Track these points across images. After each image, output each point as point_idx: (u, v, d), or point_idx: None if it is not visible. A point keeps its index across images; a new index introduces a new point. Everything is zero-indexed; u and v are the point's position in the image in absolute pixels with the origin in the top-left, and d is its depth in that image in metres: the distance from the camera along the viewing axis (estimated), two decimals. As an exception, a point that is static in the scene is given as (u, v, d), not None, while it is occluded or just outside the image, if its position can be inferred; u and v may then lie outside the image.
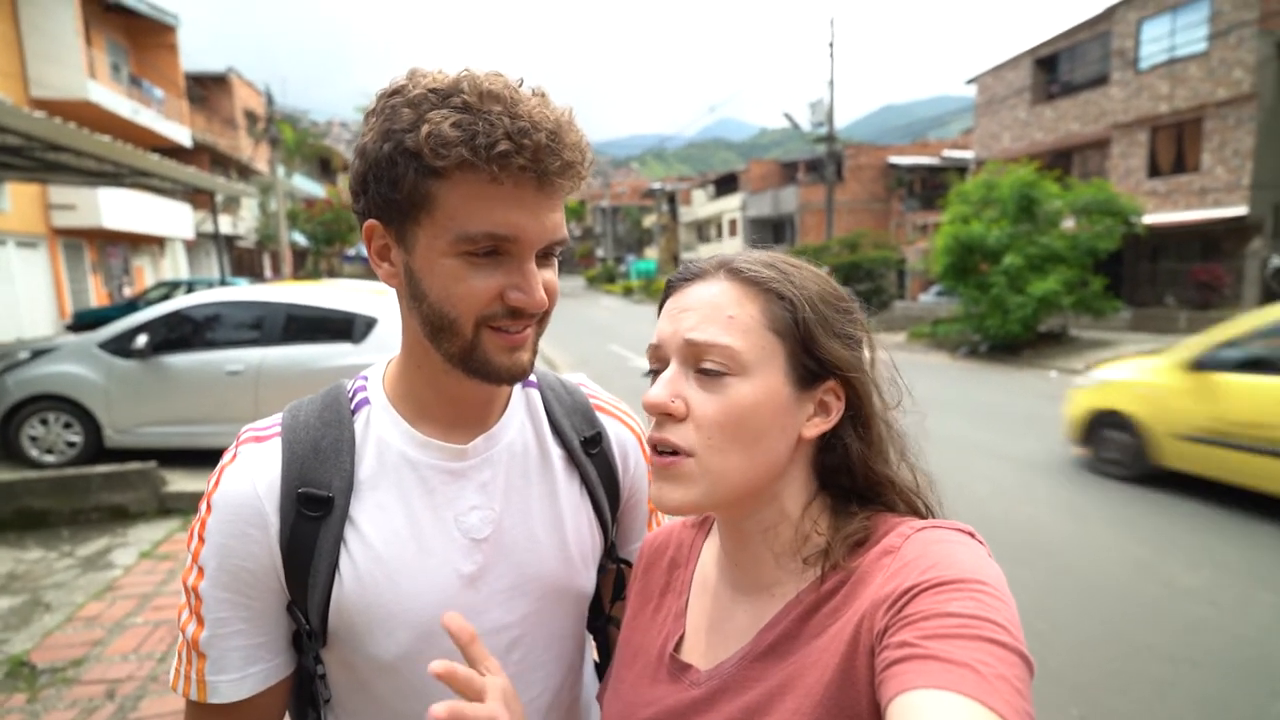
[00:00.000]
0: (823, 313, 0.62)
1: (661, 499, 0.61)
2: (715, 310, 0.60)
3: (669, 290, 0.66)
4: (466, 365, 0.66)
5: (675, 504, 0.60)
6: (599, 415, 0.84)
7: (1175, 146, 16.46)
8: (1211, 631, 3.25)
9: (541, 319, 0.69)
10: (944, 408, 8.77)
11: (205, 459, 5.28)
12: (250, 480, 0.66)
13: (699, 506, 0.60)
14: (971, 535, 0.57)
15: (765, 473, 0.61)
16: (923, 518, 0.63)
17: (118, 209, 16.49)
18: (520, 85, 0.63)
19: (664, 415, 0.60)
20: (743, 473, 0.60)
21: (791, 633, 0.60)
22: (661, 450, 0.60)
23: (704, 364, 0.59)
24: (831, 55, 21.64)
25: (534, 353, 0.69)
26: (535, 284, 0.64)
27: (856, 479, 0.64)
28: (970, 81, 22.29)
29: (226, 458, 0.69)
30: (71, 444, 5.40)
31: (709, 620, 0.68)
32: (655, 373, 0.63)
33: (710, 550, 0.73)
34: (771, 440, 0.60)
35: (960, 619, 0.47)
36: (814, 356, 0.61)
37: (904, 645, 0.47)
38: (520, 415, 0.78)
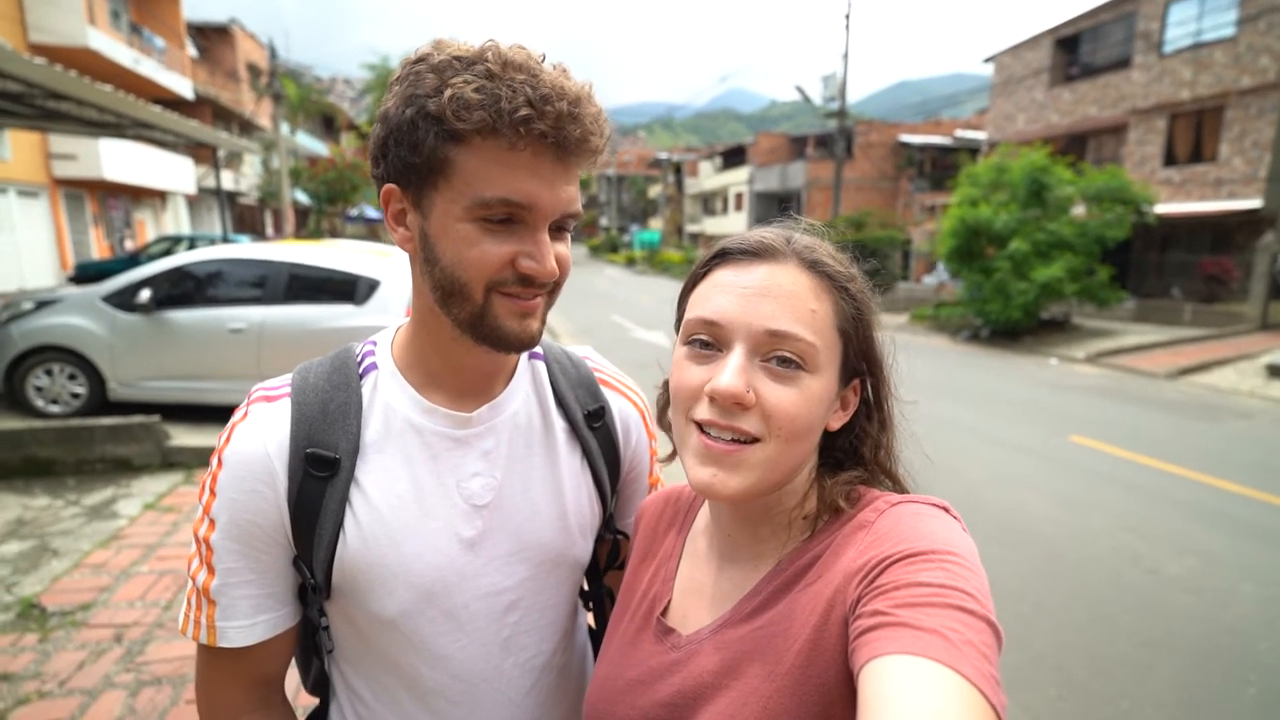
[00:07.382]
0: (874, 313, 0.63)
1: (717, 486, 0.58)
2: (796, 303, 0.58)
3: (723, 258, 0.63)
4: (476, 331, 0.67)
5: (733, 491, 0.58)
6: (603, 389, 0.86)
7: (1194, 135, 16.19)
8: (1192, 619, 3.32)
9: (552, 290, 0.69)
10: (942, 392, 8.79)
11: (208, 414, 5.32)
12: (261, 439, 0.68)
13: (753, 494, 0.59)
14: (946, 509, 0.58)
15: (805, 461, 0.63)
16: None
17: (119, 161, 16.32)
18: (543, 60, 0.63)
19: (735, 405, 0.58)
20: (795, 463, 0.61)
21: (769, 602, 0.62)
22: (726, 438, 0.58)
23: (781, 354, 0.58)
24: (847, 28, 21.15)
25: (543, 323, 0.70)
26: (547, 253, 0.65)
27: (861, 464, 0.66)
28: (988, 60, 21.83)
29: (238, 415, 0.71)
30: (76, 395, 5.43)
31: (696, 585, 0.70)
32: (700, 343, 0.61)
33: (704, 517, 0.75)
34: (817, 432, 0.62)
35: (930, 588, 0.48)
36: (864, 357, 0.63)
37: (876, 614, 0.49)
38: (525, 386, 0.80)
